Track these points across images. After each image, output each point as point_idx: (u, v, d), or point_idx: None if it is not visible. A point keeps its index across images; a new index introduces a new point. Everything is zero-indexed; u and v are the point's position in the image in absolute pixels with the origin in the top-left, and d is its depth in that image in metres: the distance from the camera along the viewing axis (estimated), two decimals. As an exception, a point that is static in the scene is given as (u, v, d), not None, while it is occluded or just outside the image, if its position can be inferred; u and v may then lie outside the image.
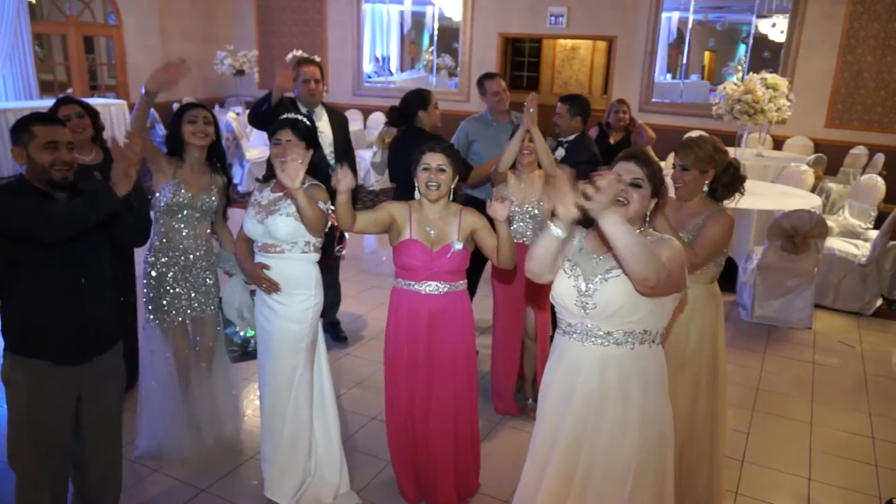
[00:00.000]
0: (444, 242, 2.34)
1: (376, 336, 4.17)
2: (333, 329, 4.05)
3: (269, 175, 2.46)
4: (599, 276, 1.78)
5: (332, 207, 2.34)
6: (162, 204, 2.61)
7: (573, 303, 1.81)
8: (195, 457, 2.79)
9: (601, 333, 1.80)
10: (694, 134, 2.73)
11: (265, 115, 3.38)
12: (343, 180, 2.18)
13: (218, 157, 2.72)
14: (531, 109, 2.87)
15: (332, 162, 3.74)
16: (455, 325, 2.41)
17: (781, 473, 2.97)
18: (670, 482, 1.89)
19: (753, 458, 3.07)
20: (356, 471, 2.75)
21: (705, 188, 2.39)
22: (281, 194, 2.39)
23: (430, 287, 2.35)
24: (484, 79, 3.84)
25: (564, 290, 1.83)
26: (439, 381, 2.42)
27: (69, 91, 9.10)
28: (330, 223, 2.35)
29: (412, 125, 3.43)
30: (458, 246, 2.34)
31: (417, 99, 3.46)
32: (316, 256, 2.45)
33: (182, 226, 2.66)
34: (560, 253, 1.83)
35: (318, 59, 4.14)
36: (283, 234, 2.34)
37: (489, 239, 2.38)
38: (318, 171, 2.46)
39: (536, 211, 3.06)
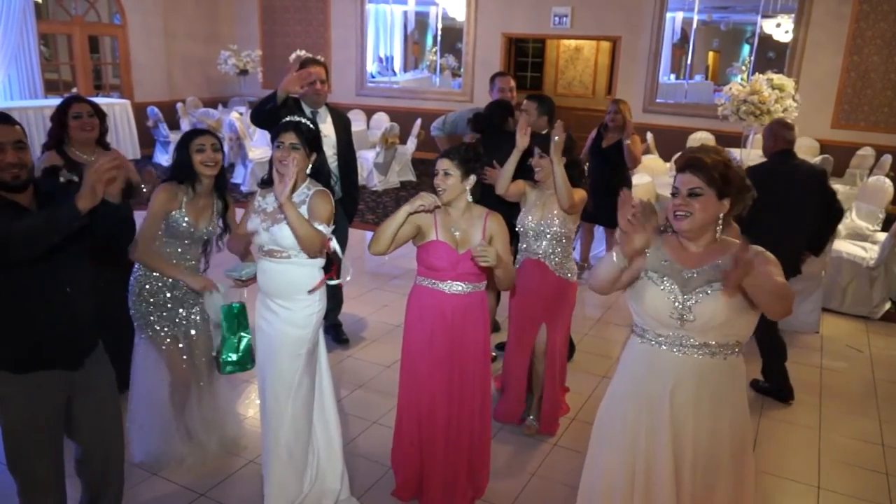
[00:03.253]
0: (470, 245, 2.36)
1: (378, 338, 4.14)
2: (335, 331, 4.02)
3: (271, 179, 2.42)
4: (699, 290, 1.76)
5: (331, 232, 2.31)
6: (162, 230, 2.57)
7: (668, 315, 1.79)
8: (199, 464, 2.77)
9: (696, 344, 1.80)
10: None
11: (269, 114, 3.35)
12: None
13: (222, 184, 2.67)
14: (556, 138, 2.86)
15: (334, 164, 3.71)
16: (476, 324, 2.45)
17: (789, 481, 2.93)
18: (750, 489, 1.92)
19: (760, 465, 3.02)
20: (357, 475, 2.72)
21: None
22: None
23: (455, 287, 2.39)
24: (496, 76, 4.31)
25: (659, 303, 1.80)
26: (461, 379, 2.45)
27: (74, 90, 9.10)
28: (325, 248, 2.31)
29: (501, 129, 3.74)
30: None
31: (508, 106, 3.90)
32: (322, 262, 2.41)
33: (179, 250, 2.62)
34: (630, 271, 1.80)
35: (321, 59, 4.10)
36: (289, 242, 2.30)
37: (502, 254, 2.40)
38: (321, 174, 2.43)
39: (556, 228, 2.97)
